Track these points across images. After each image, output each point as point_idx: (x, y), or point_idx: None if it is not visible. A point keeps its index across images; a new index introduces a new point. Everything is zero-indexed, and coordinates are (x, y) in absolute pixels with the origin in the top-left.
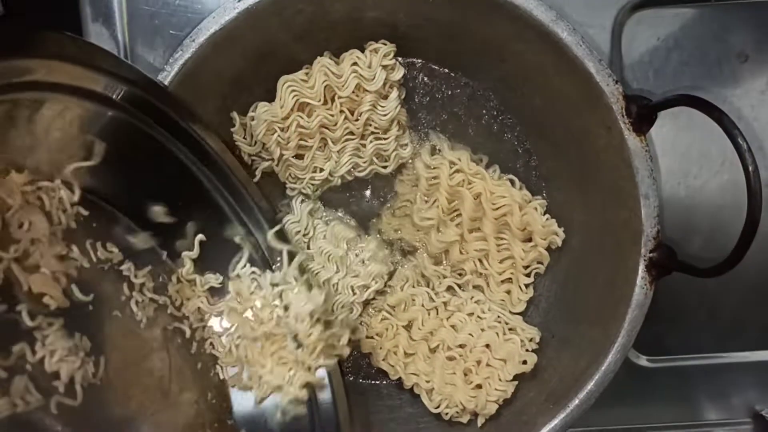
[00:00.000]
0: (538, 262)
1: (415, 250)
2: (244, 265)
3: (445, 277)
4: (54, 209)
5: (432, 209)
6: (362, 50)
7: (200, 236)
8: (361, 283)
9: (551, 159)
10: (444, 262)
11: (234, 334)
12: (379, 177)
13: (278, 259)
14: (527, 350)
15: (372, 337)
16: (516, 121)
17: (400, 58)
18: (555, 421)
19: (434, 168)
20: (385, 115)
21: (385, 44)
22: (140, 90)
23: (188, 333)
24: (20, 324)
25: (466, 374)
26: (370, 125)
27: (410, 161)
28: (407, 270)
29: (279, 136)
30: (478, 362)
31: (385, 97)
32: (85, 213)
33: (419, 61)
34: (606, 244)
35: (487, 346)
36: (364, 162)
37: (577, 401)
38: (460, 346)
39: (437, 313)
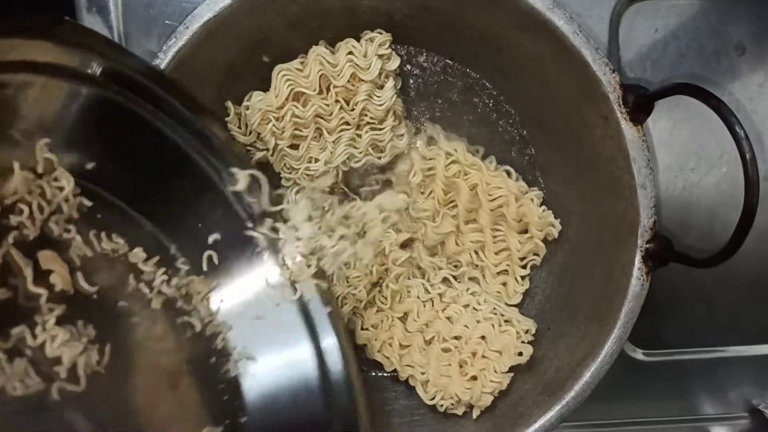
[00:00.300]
0: (535, 254)
1: (411, 242)
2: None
3: (440, 268)
4: (56, 198)
5: (428, 200)
6: (358, 39)
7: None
8: (356, 274)
9: (548, 150)
10: (440, 253)
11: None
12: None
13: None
14: (523, 342)
15: (367, 329)
16: (513, 112)
17: (396, 48)
18: (551, 413)
19: (430, 159)
20: (380, 105)
21: (381, 33)
22: (118, 64)
23: (199, 327)
24: (21, 308)
25: (461, 366)
26: (366, 115)
27: (406, 152)
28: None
29: (274, 125)
30: (474, 354)
31: (381, 87)
32: (89, 203)
33: (416, 50)
34: (603, 235)
35: (483, 337)
36: (360, 152)
37: (572, 393)
38: (456, 337)
39: (433, 305)
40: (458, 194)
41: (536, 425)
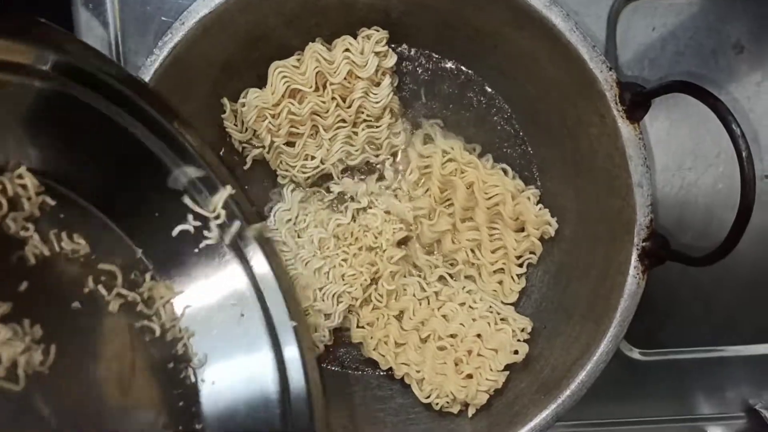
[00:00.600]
0: (531, 252)
1: (407, 240)
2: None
3: (436, 266)
4: (18, 195)
5: (424, 198)
6: (354, 37)
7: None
8: (351, 272)
9: (545, 148)
10: (436, 251)
11: None
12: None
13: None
14: (519, 340)
15: (363, 327)
16: (510, 110)
17: (393, 45)
18: (546, 412)
19: (427, 157)
20: (377, 103)
21: (378, 31)
22: (71, 57)
23: (158, 332)
24: None
25: (456, 364)
26: (363, 113)
27: (402, 150)
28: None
29: (270, 122)
30: (469, 352)
31: (378, 84)
32: (52, 203)
33: (412, 48)
34: (599, 233)
35: (479, 336)
36: (356, 150)
37: (568, 392)
38: (451, 335)
39: (428, 303)
40: (455, 192)
41: (532, 424)
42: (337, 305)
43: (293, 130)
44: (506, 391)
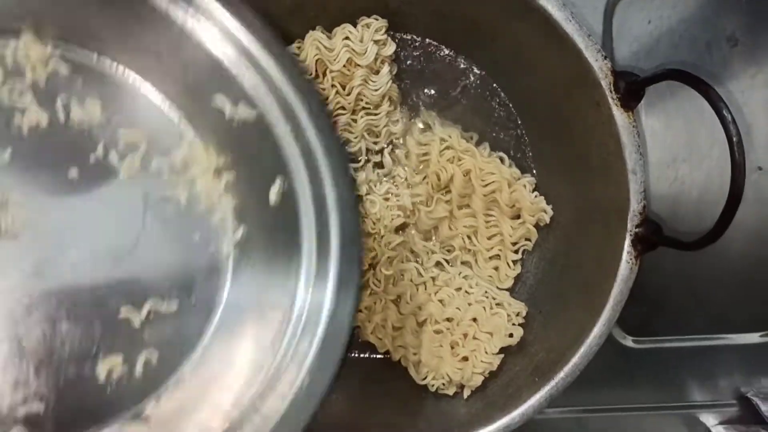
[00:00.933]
0: (526, 239)
1: (405, 226)
2: None
3: (434, 252)
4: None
5: (422, 186)
6: (354, 25)
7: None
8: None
9: (541, 137)
10: (433, 238)
11: None
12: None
13: None
14: (514, 324)
15: (360, 311)
16: (507, 99)
17: (392, 34)
18: (540, 393)
19: (425, 145)
20: (376, 90)
21: (377, 19)
22: None
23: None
24: None
25: (453, 347)
26: (362, 100)
27: (401, 137)
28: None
29: None
30: (465, 335)
31: (377, 72)
32: (66, 71)
33: (411, 37)
34: (593, 220)
35: (474, 319)
36: (355, 137)
37: (562, 374)
38: (448, 319)
39: (425, 288)
40: (452, 180)
41: (526, 405)
42: None
43: None
44: (501, 374)
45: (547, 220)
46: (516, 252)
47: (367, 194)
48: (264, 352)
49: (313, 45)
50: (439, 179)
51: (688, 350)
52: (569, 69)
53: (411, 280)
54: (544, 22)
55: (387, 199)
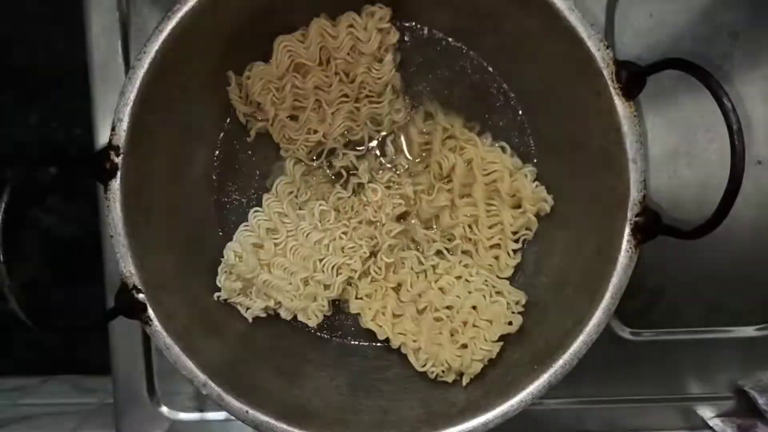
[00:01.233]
0: (527, 229)
1: (406, 215)
2: None
3: (434, 241)
4: None
5: (423, 174)
6: (359, 13)
7: None
8: (351, 245)
9: (542, 126)
10: (434, 226)
11: None
12: None
13: None
14: (513, 312)
15: (361, 299)
16: (509, 89)
17: (395, 23)
18: (539, 382)
19: (427, 133)
20: (379, 78)
21: (381, 8)
22: None
23: None
24: None
25: (452, 334)
26: (365, 88)
27: (403, 126)
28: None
29: (274, 95)
30: (465, 323)
31: (380, 60)
32: None
33: (415, 26)
34: (593, 210)
35: (474, 307)
36: (358, 125)
37: (561, 362)
38: (448, 307)
39: (426, 276)
40: (454, 169)
41: (524, 393)
42: (337, 277)
43: (297, 103)
44: (500, 362)
45: (548, 210)
46: (516, 241)
47: (369, 182)
48: None
49: (317, 32)
50: (440, 168)
51: (686, 343)
52: (571, 58)
53: (411, 268)
54: (547, 11)
55: (389, 188)
